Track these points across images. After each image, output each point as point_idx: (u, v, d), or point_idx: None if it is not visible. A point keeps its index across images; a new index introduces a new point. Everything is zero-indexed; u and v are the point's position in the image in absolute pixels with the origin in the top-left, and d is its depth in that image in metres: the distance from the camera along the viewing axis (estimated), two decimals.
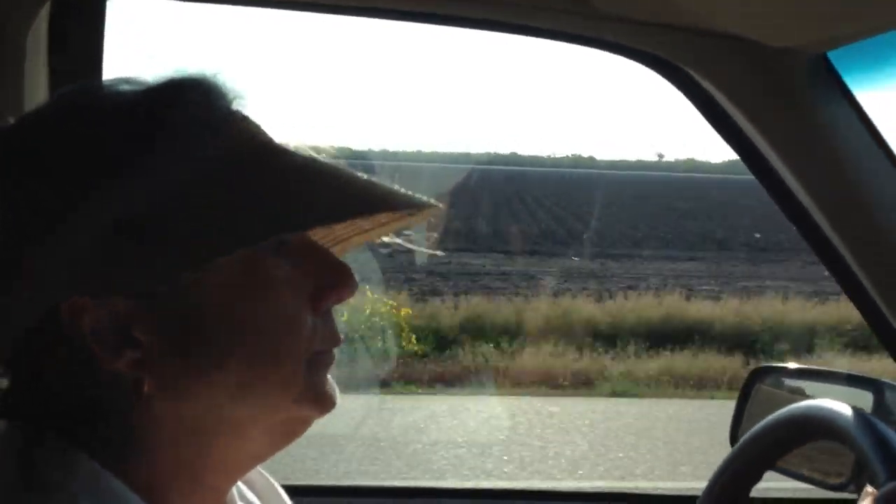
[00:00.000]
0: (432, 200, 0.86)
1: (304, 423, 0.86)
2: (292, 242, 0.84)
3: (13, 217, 0.78)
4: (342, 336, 0.87)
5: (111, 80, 0.85)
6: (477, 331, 11.65)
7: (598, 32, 1.38)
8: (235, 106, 0.84)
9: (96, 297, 0.77)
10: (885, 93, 1.43)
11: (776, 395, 1.79)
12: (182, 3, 1.33)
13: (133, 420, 0.80)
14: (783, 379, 1.84)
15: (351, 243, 0.97)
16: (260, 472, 1.01)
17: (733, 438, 1.70)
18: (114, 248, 0.75)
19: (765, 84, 1.38)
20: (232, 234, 0.76)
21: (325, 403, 0.85)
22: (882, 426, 1.11)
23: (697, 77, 1.41)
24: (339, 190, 0.82)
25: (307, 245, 0.86)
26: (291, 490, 1.04)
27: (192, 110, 0.81)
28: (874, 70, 1.39)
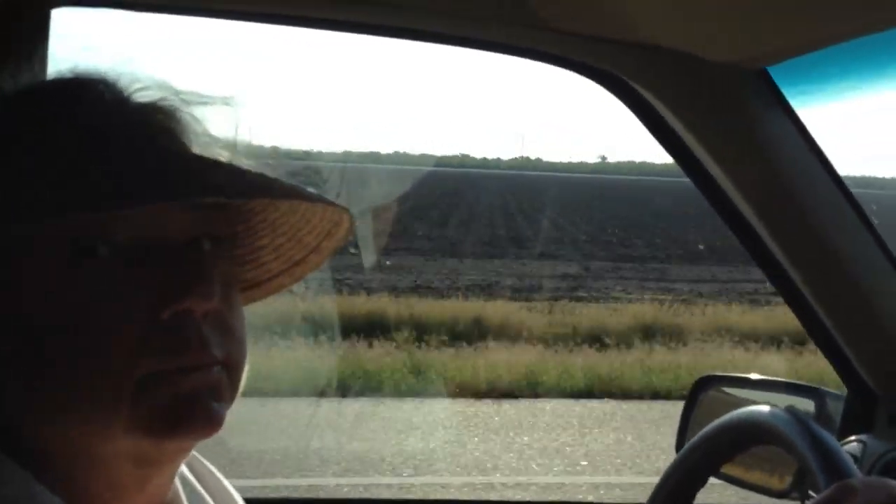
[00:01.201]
0: (331, 200, 0.79)
1: (162, 451, 0.76)
2: (126, 243, 0.73)
3: None
4: (201, 345, 0.74)
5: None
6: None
7: (544, 45, 1.40)
8: (138, 97, 0.79)
9: None
10: (823, 108, 1.46)
11: (721, 403, 1.82)
12: (130, 12, 1.32)
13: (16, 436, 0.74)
14: (728, 387, 1.87)
15: (305, 269, 0.90)
16: (213, 472, 0.97)
17: (679, 446, 1.73)
18: None
19: (706, 98, 1.40)
20: (25, 212, 0.68)
21: (165, 430, 0.72)
22: (819, 429, 1.14)
23: (641, 90, 1.43)
24: (161, 173, 0.72)
25: (151, 247, 0.74)
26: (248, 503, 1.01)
27: (49, 100, 0.78)
28: (813, 85, 1.42)
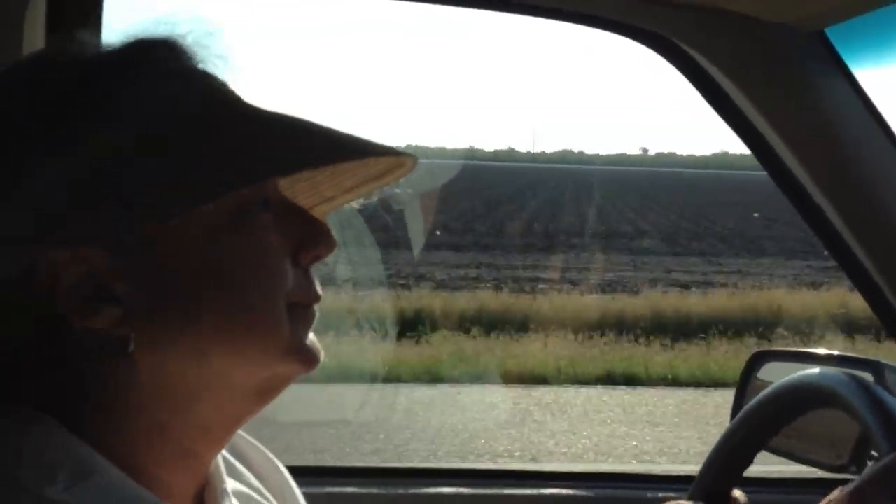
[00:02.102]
0: (408, 153, 0.86)
1: (286, 381, 0.85)
2: (273, 201, 0.84)
3: None
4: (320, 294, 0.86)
5: (81, 41, 0.84)
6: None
7: (598, 9, 1.39)
8: (204, 66, 0.84)
9: (73, 252, 0.75)
10: (882, 70, 1.43)
11: (776, 376, 1.79)
12: None
13: (107, 382, 0.77)
14: (783, 362, 1.85)
15: (334, 204, 0.96)
16: (256, 446, 1.00)
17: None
18: (86, 196, 0.73)
19: (762, 61, 1.38)
20: (206, 184, 0.75)
21: (310, 358, 0.84)
22: (882, 392, 1.11)
23: (695, 54, 1.41)
24: (316, 137, 0.81)
25: (288, 203, 0.86)
26: (291, 471, 1.02)
27: (155, 64, 0.80)
28: (872, 47, 1.39)
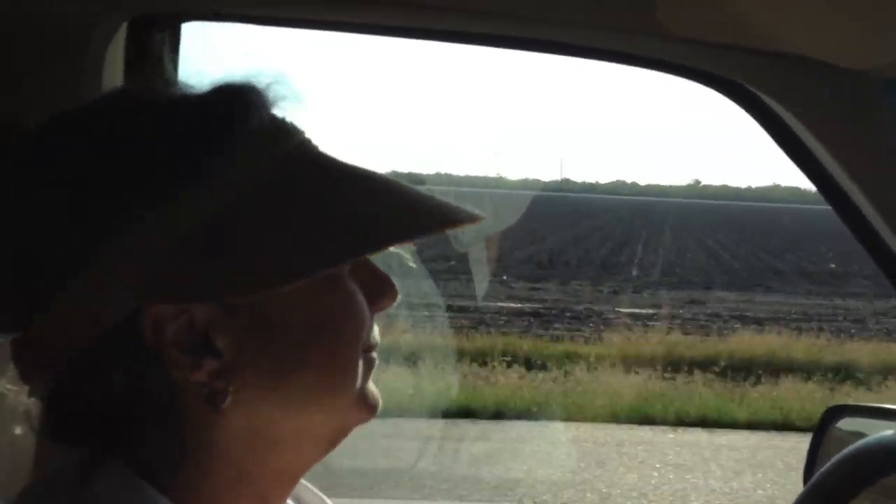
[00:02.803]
0: (480, 213, 0.87)
1: (348, 430, 0.87)
2: None
3: (90, 216, 0.76)
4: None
5: (161, 87, 0.85)
6: None
7: (667, 54, 1.37)
8: (282, 115, 0.85)
9: (178, 305, 0.76)
10: None
11: (854, 433, 1.73)
12: (257, 26, 1.35)
13: (200, 434, 0.79)
14: (860, 418, 1.78)
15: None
16: (315, 492, 1.00)
17: (807, 480, 1.65)
18: (200, 255, 0.75)
19: (838, 108, 1.35)
20: (318, 253, 0.78)
21: (373, 406, 0.87)
22: None
23: (769, 101, 1.38)
24: (409, 207, 0.84)
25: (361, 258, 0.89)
26: None
27: (255, 116, 0.81)
28: None
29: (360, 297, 0.85)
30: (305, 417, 0.83)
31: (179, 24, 1.32)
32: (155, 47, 1.29)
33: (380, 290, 0.88)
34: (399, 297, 0.90)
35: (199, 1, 1.28)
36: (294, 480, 0.89)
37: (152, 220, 0.75)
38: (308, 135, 0.86)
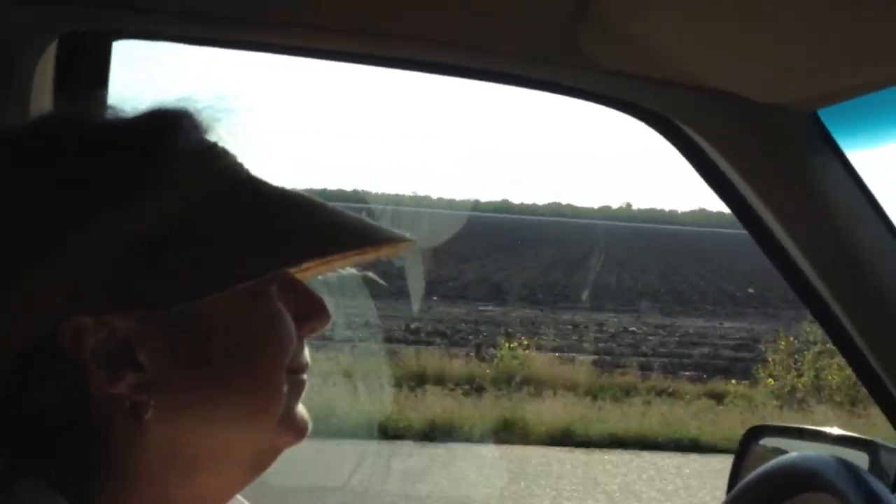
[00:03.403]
0: (408, 235, 0.89)
1: (278, 452, 0.87)
2: (277, 274, 0.86)
3: (14, 233, 0.77)
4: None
5: (94, 104, 0.87)
6: None
7: (592, 85, 1.41)
8: (214, 138, 0.86)
9: (98, 317, 0.77)
10: (874, 151, 1.44)
11: (772, 453, 1.78)
12: (187, 45, 1.36)
13: (123, 449, 0.79)
14: (779, 438, 1.83)
15: (333, 266, 0.99)
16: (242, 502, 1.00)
17: None
18: (121, 268, 0.75)
19: (756, 140, 1.39)
20: (240, 266, 0.78)
21: (301, 429, 0.87)
22: (870, 477, 1.10)
23: (690, 132, 1.43)
24: (333, 224, 0.85)
25: (289, 277, 0.89)
26: None
27: (183, 140, 0.83)
28: (863, 129, 1.41)
29: (286, 318, 0.85)
30: (227, 437, 0.82)
31: (110, 42, 1.32)
32: (85, 65, 1.29)
33: (310, 311, 0.88)
34: (331, 319, 0.90)
35: (130, 20, 1.28)
36: (219, 503, 0.88)
37: (74, 236, 0.76)
38: (237, 158, 0.87)
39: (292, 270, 0.95)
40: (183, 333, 0.80)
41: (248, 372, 0.82)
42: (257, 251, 0.80)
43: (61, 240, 0.76)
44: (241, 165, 0.87)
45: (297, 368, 0.87)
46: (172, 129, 0.83)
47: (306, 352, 0.89)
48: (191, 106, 0.86)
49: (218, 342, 0.81)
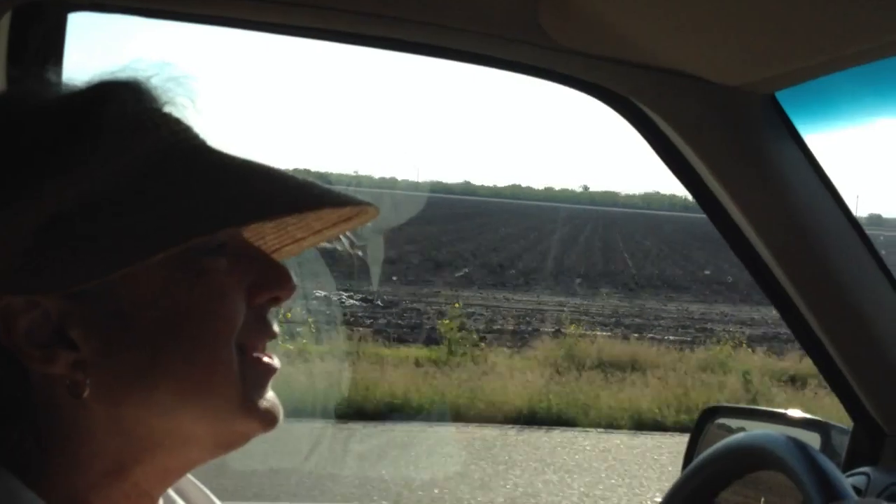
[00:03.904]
0: (368, 201, 0.86)
1: (244, 437, 0.84)
2: (229, 244, 0.84)
3: None
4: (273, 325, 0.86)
5: (42, 83, 0.84)
6: None
7: (553, 64, 1.41)
8: (168, 109, 0.84)
9: (28, 298, 0.76)
10: (831, 134, 1.46)
11: (727, 432, 1.81)
12: (146, 19, 1.34)
13: (65, 427, 0.78)
14: (734, 418, 1.86)
15: (303, 245, 0.97)
16: (197, 485, 1.00)
17: None
18: (41, 245, 0.74)
19: (714, 121, 1.41)
20: (159, 234, 0.75)
21: (266, 419, 0.83)
22: (818, 455, 1.12)
23: (649, 112, 1.44)
24: (272, 188, 0.81)
25: (243, 246, 0.86)
26: None
27: (118, 110, 0.81)
28: (820, 112, 1.42)
29: (230, 292, 0.82)
30: (177, 418, 0.80)
31: (66, 14, 1.30)
32: (40, 37, 1.26)
33: (265, 279, 0.85)
34: (294, 289, 0.86)
35: None
36: (177, 477, 0.88)
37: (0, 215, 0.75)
38: (187, 127, 0.85)
39: (270, 242, 0.95)
40: (113, 310, 0.78)
41: (184, 350, 0.79)
42: (173, 219, 0.76)
43: None
44: (186, 133, 0.85)
45: (255, 347, 0.84)
46: (106, 99, 0.81)
47: (273, 325, 0.85)
48: (140, 76, 0.84)
49: (148, 318, 0.78)
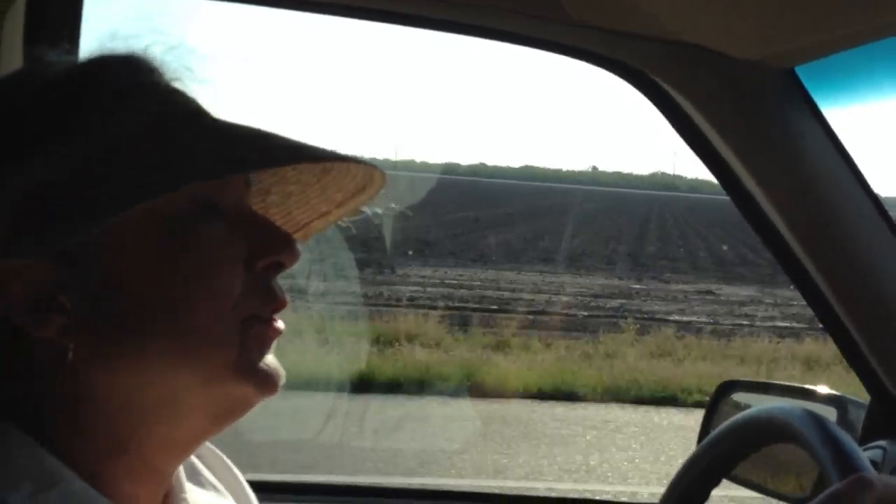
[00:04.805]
0: (368, 161, 0.86)
1: (244, 403, 0.83)
2: (230, 210, 0.83)
3: None
4: (281, 292, 0.84)
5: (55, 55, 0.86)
6: None
7: (571, 39, 1.40)
8: (167, 80, 0.85)
9: (23, 262, 0.76)
10: (850, 109, 1.45)
11: (742, 407, 1.81)
12: None
13: (66, 393, 0.79)
14: (750, 393, 1.86)
15: (330, 219, 0.97)
16: (217, 453, 1.01)
17: None
18: (31, 212, 0.74)
19: (733, 96, 1.40)
20: (136, 190, 0.75)
21: (265, 381, 0.82)
22: (835, 427, 1.12)
23: (667, 87, 1.43)
24: (257, 144, 0.80)
25: (243, 211, 0.85)
26: (251, 486, 1.02)
27: (111, 82, 0.81)
28: (840, 87, 1.41)
29: (223, 258, 0.81)
30: (173, 386, 0.79)
31: None
32: (55, 18, 1.27)
33: (268, 243, 0.83)
34: (298, 254, 0.84)
35: None
36: (184, 451, 0.87)
37: None
38: (179, 93, 0.85)
39: (283, 223, 0.95)
40: (107, 276, 0.78)
41: (172, 315, 0.78)
42: (153, 175, 0.76)
43: None
44: (183, 101, 0.84)
45: (260, 311, 0.82)
46: (108, 73, 0.82)
47: (278, 289, 0.84)
48: (140, 48, 0.84)
49: (137, 283, 0.78)
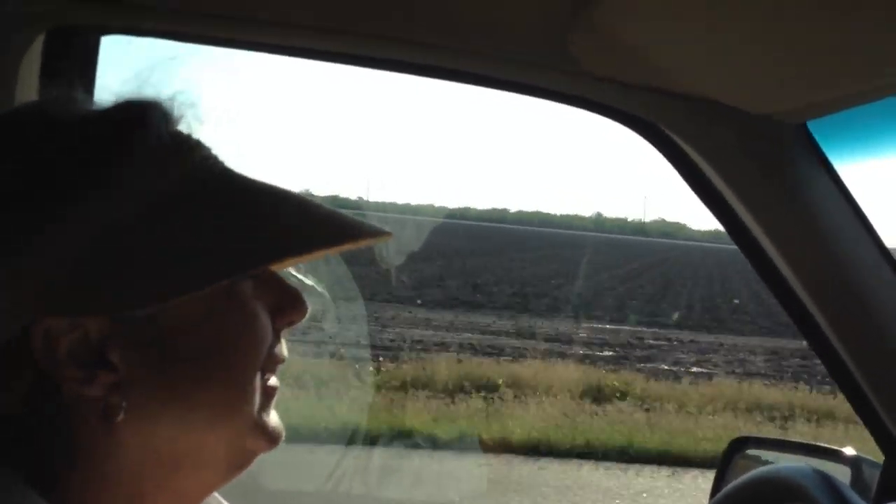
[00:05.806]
0: (385, 229, 0.88)
1: (252, 456, 0.86)
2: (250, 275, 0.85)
3: None
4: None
5: (69, 101, 0.85)
6: None
7: (584, 92, 1.41)
8: (186, 130, 0.85)
9: (71, 318, 0.76)
10: (862, 164, 1.44)
11: (755, 464, 1.78)
12: (177, 42, 1.35)
13: (96, 450, 0.78)
14: (762, 449, 1.84)
15: (303, 258, 0.97)
16: (215, 496, 1.00)
17: None
18: (90, 268, 0.74)
19: (745, 151, 1.39)
20: (212, 266, 0.77)
21: (274, 437, 0.86)
22: (845, 488, 1.10)
23: (679, 140, 1.43)
24: (308, 221, 0.84)
25: (264, 272, 0.87)
26: None
27: (153, 132, 0.81)
28: (853, 142, 1.41)
29: (263, 317, 0.84)
30: (202, 437, 0.81)
31: (98, 38, 1.31)
32: (72, 61, 1.28)
33: (286, 304, 0.87)
34: (308, 311, 0.88)
35: (118, 16, 1.27)
36: (195, 501, 0.87)
37: (45, 234, 0.75)
38: (212, 151, 0.86)
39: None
40: (154, 333, 0.78)
41: (222, 372, 0.81)
42: (231, 250, 0.79)
43: (28, 239, 0.75)
44: (215, 158, 0.86)
45: (272, 366, 0.86)
46: (142, 120, 0.82)
47: (283, 347, 0.88)
48: (161, 97, 0.85)
49: (190, 342, 0.80)
